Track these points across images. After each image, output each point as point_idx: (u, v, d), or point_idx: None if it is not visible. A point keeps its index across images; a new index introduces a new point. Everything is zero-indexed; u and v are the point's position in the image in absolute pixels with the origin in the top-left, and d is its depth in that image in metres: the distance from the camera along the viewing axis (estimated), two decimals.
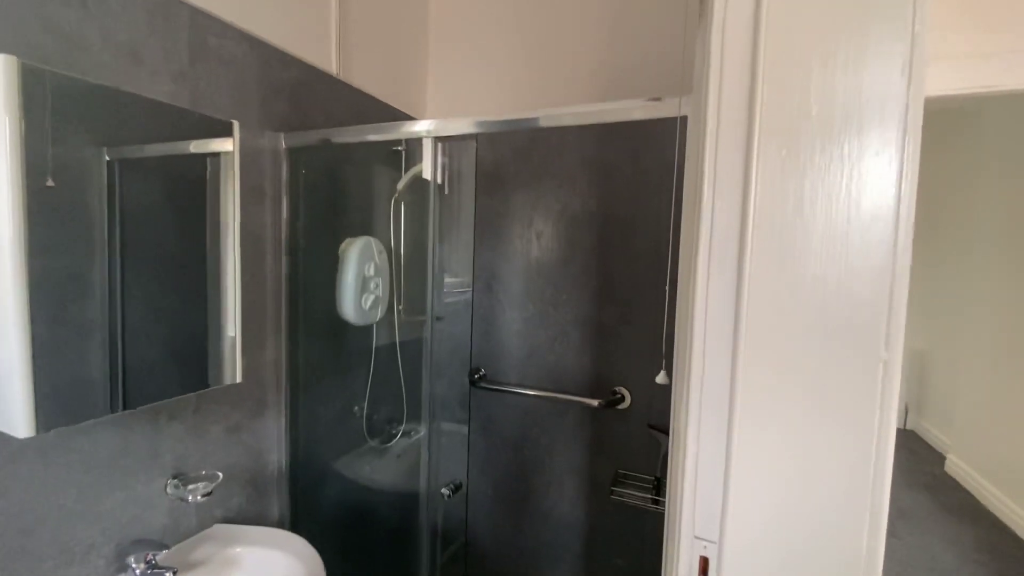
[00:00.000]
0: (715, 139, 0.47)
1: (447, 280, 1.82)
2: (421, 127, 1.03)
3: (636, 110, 0.85)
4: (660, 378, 0.70)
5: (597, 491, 1.64)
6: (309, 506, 1.33)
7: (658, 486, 1.49)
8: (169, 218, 0.93)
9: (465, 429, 1.74)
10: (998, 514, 2.71)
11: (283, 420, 1.26)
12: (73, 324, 0.77)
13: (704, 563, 0.45)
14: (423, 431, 1.74)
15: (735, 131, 0.46)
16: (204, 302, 1.01)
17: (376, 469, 1.58)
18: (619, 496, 1.52)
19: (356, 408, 1.50)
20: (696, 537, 0.46)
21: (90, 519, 0.87)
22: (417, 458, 1.69)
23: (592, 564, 1.66)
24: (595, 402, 1.56)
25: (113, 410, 0.83)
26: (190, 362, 0.98)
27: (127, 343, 0.85)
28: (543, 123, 0.93)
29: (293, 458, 1.29)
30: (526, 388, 1.69)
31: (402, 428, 1.62)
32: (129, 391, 0.85)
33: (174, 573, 0.87)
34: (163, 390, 0.92)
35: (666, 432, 1.57)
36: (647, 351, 1.55)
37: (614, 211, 1.58)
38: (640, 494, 1.50)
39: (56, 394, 0.74)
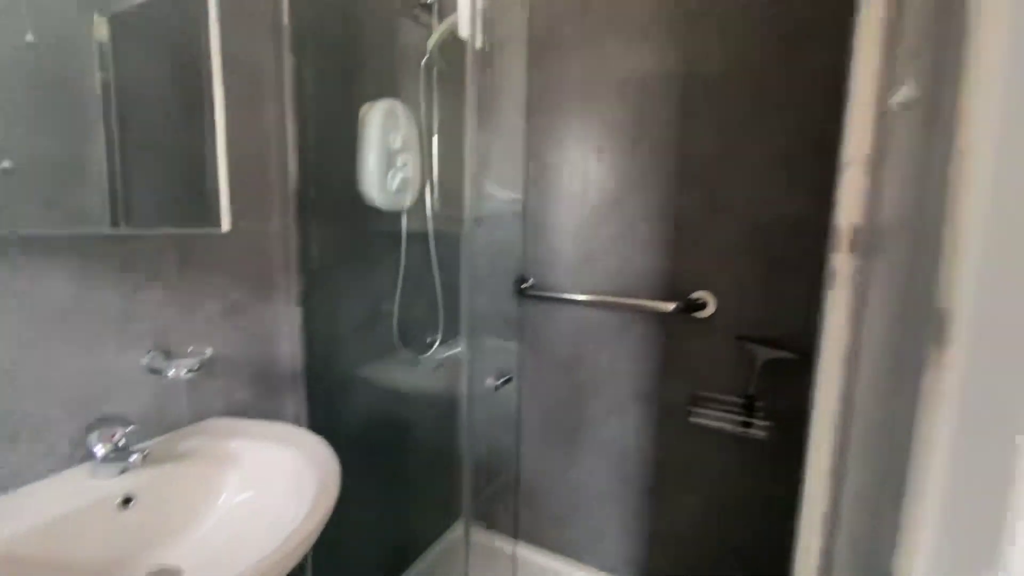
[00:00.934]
0: None
1: (488, 180, 1.55)
2: None
3: None
4: (901, 94, 0.40)
5: (667, 417, 1.37)
6: (331, 414, 1.13)
7: (750, 407, 1.21)
8: (162, 50, 0.76)
9: (511, 345, 1.50)
10: None
11: (296, 308, 1.05)
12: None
13: None
14: (462, 344, 1.51)
15: None
16: (199, 143, 0.80)
17: (410, 381, 1.37)
18: (700, 419, 1.25)
19: (385, 308, 1.28)
20: None
21: (42, 388, 0.67)
22: (456, 373, 1.47)
23: (659, 501, 1.42)
24: (669, 306, 1.28)
25: (114, 224, 0.70)
26: (176, 198, 0.80)
27: (126, 170, 0.71)
28: None
29: (310, 355, 1.08)
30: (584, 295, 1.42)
31: (439, 338, 1.40)
32: (129, 210, 0.72)
33: (143, 456, 0.67)
34: (152, 218, 0.77)
35: (761, 343, 1.28)
36: (739, 245, 1.24)
37: (699, 69, 1.25)
38: (728, 416, 1.23)
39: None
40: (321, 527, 0.66)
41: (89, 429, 0.69)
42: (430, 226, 1.35)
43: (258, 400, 0.98)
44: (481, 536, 1.64)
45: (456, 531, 1.70)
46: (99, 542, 0.64)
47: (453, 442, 1.60)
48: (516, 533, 1.60)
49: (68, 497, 0.64)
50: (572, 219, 1.45)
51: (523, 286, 1.50)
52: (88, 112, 0.67)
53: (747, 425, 1.20)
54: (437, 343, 1.39)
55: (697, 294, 1.29)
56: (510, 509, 1.60)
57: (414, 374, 1.38)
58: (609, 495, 1.48)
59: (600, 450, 1.48)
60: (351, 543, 1.19)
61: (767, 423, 1.20)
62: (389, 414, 1.37)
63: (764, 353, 1.20)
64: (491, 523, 1.62)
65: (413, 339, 1.36)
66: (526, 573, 1.55)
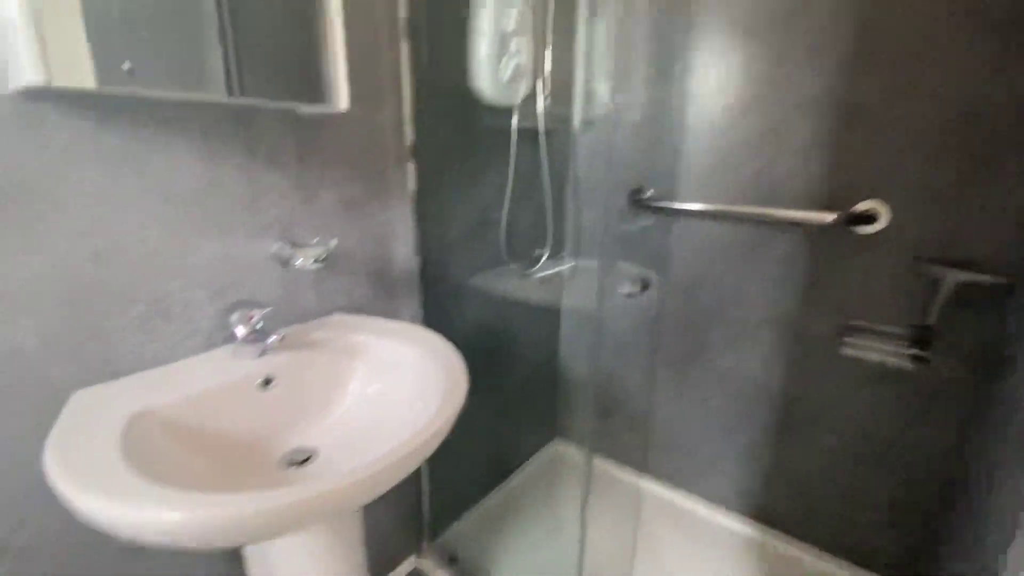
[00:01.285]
0: None
1: (604, 73, 1.36)
2: None
3: None
4: None
5: (806, 347, 1.20)
6: (443, 320, 1.11)
7: (925, 340, 1.00)
8: None
9: (625, 263, 1.37)
10: None
11: (410, 206, 1.00)
12: None
13: None
14: (572, 261, 1.42)
15: None
16: (312, 25, 0.73)
17: (516, 294, 1.32)
18: (855, 351, 1.07)
19: (493, 216, 1.20)
20: None
21: (184, 271, 0.68)
22: (561, 289, 1.40)
23: (788, 440, 1.28)
24: (827, 218, 1.07)
25: (230, 93, 0.64)
26: (295, 72, 0.73)
27: (241, 59, 0.65)
28: None
29: (425, 258, 1.05)
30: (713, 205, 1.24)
31: (546, 252, 1.31)
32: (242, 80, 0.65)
33: (280, 339, 0.66)
34: (270, 90, 0.69)
35: (949, 264, 1.04)
36: (930, 140, 0.98)
37: None
38: (894, 348, 1.03)
39: None
40: (451, 424, 0.63)
41: (229, 311, 0.69)
42: (541, 125, 1.21)
43: (376, 300, 0.97)
44: (576, 455, 1.63)
45: (552, 448, 1.70)
46: (243, 417, 0.66)
47: (554, 359, 1.55)
48: (646, 464, 1.54)
49: (216, 373, 0.66)
50: (703, 118, 1.24)
51: (640, 196, 1.35)
52: (202, 4, 0.62)
53: (920, 360, 1.00)
54: (545, 257, 1.31)
55: (864, 205, 1.06)
56: (625, 434, 1.55)
57: (521, 287, 1.31)
58: (725, 426, 1.37)
59: (719, 378, 1.35)
60: (459, 448, 1.21)
61: (946, 359, 1.00)
62: (495, 326, 1.34)
63: (954, 276, 0.97)
64: (590, 444, 1.60)
65: (520, 251, 1.28)
66: (624, 493, 1.52)
